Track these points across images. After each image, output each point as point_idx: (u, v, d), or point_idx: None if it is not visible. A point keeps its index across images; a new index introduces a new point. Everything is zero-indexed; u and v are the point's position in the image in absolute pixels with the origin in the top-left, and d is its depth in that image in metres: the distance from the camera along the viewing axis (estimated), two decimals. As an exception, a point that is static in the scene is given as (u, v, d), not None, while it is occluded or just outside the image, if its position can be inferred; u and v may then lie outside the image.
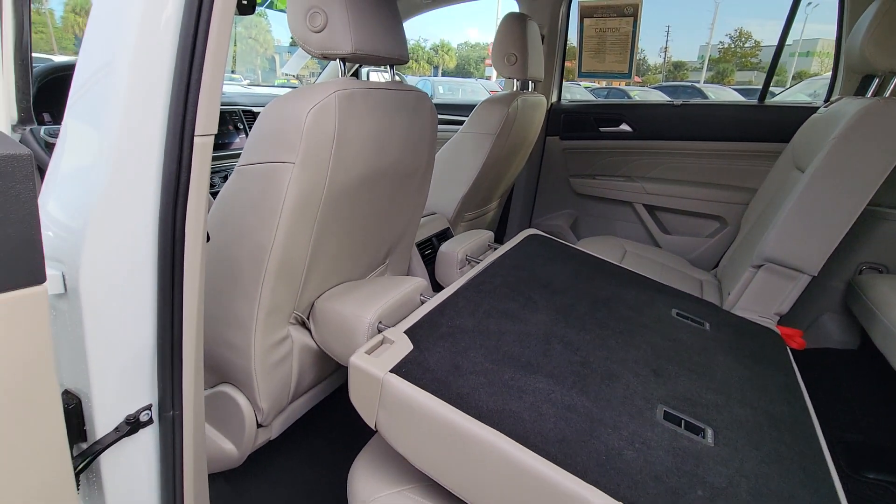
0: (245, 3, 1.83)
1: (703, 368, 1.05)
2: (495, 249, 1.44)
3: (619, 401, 0.88)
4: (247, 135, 1.91)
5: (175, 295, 0.70)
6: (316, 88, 0.87)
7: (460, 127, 1.74)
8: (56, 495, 0.53)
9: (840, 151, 1.23)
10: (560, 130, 2.24)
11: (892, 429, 1.41)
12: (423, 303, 1.09)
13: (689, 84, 15.72)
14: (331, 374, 1.25)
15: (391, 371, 0.81)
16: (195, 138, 0.65)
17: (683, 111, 2.05)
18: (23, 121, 0.48)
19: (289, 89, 2.52)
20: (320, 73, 2.88)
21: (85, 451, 0.68)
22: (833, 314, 1.71)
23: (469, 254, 1.46)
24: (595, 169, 2.25)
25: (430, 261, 1.55)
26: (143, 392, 0.73)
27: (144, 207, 0.65)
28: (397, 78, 1.14)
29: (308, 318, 1.09)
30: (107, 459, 0.72)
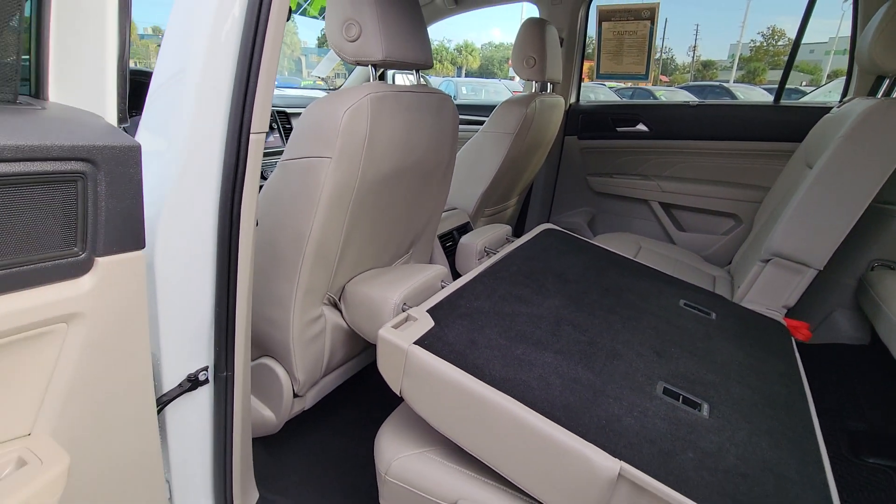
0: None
1: (704, 352, 1.12)
2: (512, 242, 1.53)
3: (622, 376, 0.96)
4: (280, 133, 2.05)
5: (231, 272, 0.81)
6: (351, 91, 0.97)
7: (481, 127, 1.83)
8: (144, 429, 0.65)
9: (845, 150, 1.28)
10: (578, 130, 2.31)
11: (894, 418, 1.44)
12: (443, 287, 1.18)
13: (717, 84, 15.43)
14: (359, 353, 1.36)
15: (415, 343, 0.91)
16: (251, 135, 0.76)
17: (699, 111, 2.10)
18: (120, 121, 0.60)
19: (317, 90, 2.66)
20: (346, 75, 3.01)
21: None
22: (845, 310, 1.75)
23: (487, 246, 1.56)
24: (612, 168, 2.31)
25: (450, 252, 1.65)
26: (201, 355, 0.84)
27: (207, 195, 0.77)
28: (422, 81, 1.25)
29: (339, 300, 1.19)
30: (171, 412, 0.84)
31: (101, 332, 0.53)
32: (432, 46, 1.24)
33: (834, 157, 1.30)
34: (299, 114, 2.06)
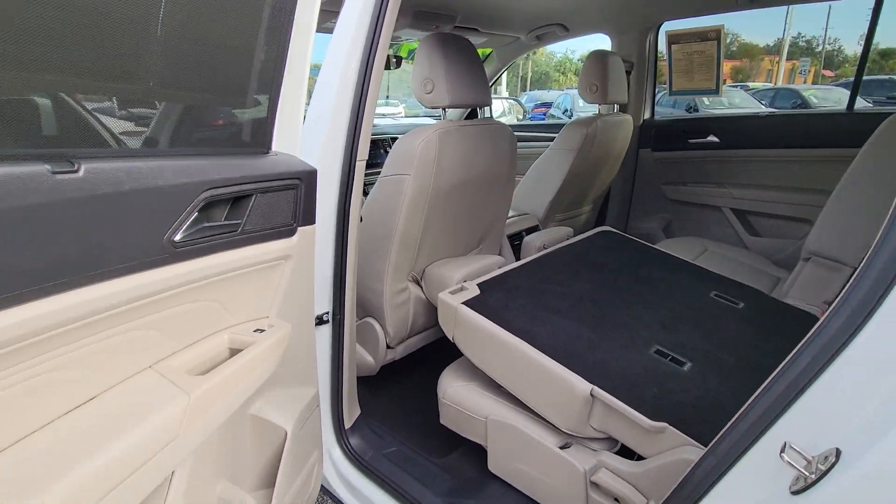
0: (395, 59, 2.52)
1: (710, 329, 1.32)
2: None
3: (622, 341, 1.23)
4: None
5: (343, 249, 1.27)
6: (427, 128, 1.40)
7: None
8: (308, 332, 1.11)
9: (869, 155, 1.38)
10: (651, 143, 2.50)
11: None
12: None
13: (887, 78, 13.33)
14: (437, 323, 1.77)
15: (462, 303, 1.29)
16: (357, 161, 1.21)
17: (769, 121, 2.17)
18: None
19: (428, 118, 3.16)
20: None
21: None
22: None
23: (546, 243, 1.87)
24: (686, 177, 2.45)
25: (518, 249, 1.99)
26: (325, 302, 1.31)
27: (330, 200, 1.23)
28: (487, 113, 1.63)
29: (421, 279, 1.62)
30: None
31: (297, 268, 0.99)
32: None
33: (860, 162, 1.40)
34: (381, 140, 2.58)
